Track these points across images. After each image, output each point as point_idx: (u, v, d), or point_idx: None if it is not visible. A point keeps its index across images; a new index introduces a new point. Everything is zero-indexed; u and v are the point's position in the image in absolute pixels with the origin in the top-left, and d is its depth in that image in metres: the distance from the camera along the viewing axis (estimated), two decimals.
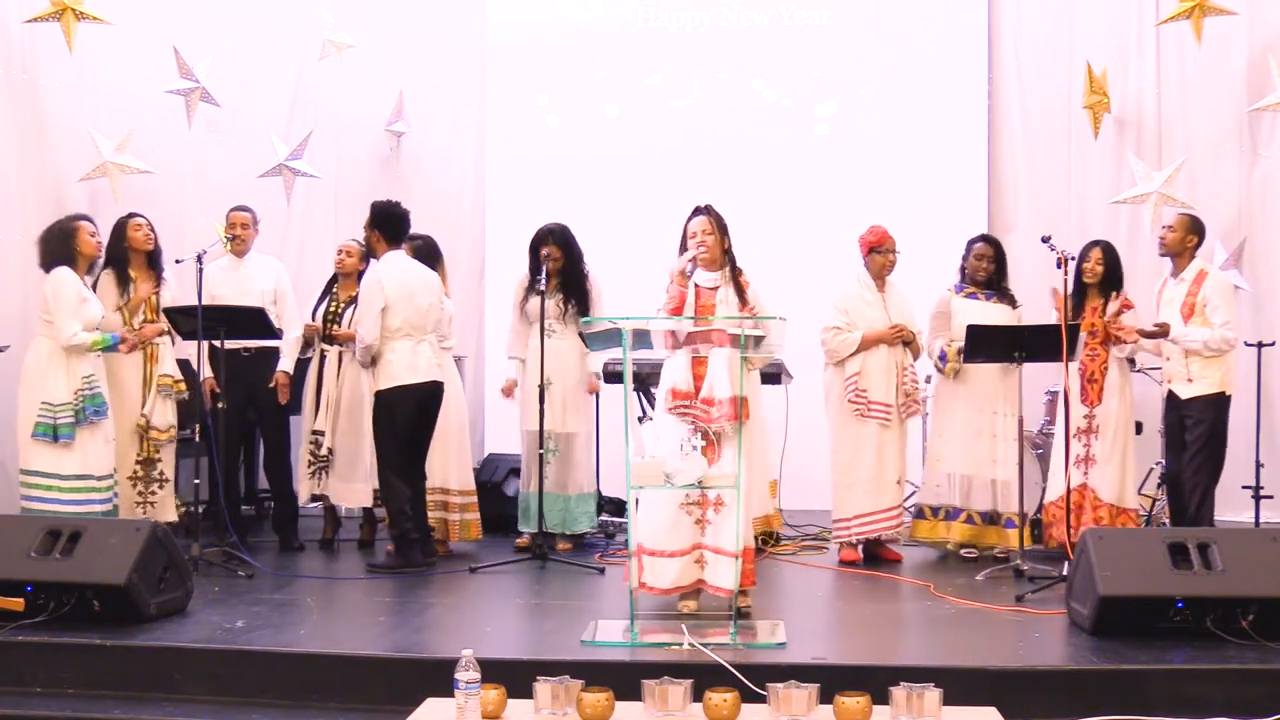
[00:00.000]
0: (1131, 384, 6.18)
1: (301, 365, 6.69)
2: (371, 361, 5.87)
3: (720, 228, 4.98)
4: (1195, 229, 5.98)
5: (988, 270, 6.26)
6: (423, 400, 5.87)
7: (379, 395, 5.83)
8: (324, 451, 6.49)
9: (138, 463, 6.02)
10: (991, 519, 6.17)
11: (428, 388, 5.87)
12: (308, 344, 6.59)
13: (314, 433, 6.52)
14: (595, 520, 6.63)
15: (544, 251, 6.31)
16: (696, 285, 4.94)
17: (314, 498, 6.63)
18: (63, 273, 5.70)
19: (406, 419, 5.82)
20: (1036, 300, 6.42)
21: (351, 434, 6.48)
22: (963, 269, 6.35)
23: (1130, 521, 6.04)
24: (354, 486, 6.50)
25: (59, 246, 5.77)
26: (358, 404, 6.42)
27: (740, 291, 4.96)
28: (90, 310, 5.74)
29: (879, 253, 6.14)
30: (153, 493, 6.03)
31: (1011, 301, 6.28)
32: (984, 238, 6.49)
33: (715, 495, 4.68)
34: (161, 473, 6.06)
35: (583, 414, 6.57)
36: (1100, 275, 6.05)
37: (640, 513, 4.84)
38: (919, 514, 6.36)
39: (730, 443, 4.72)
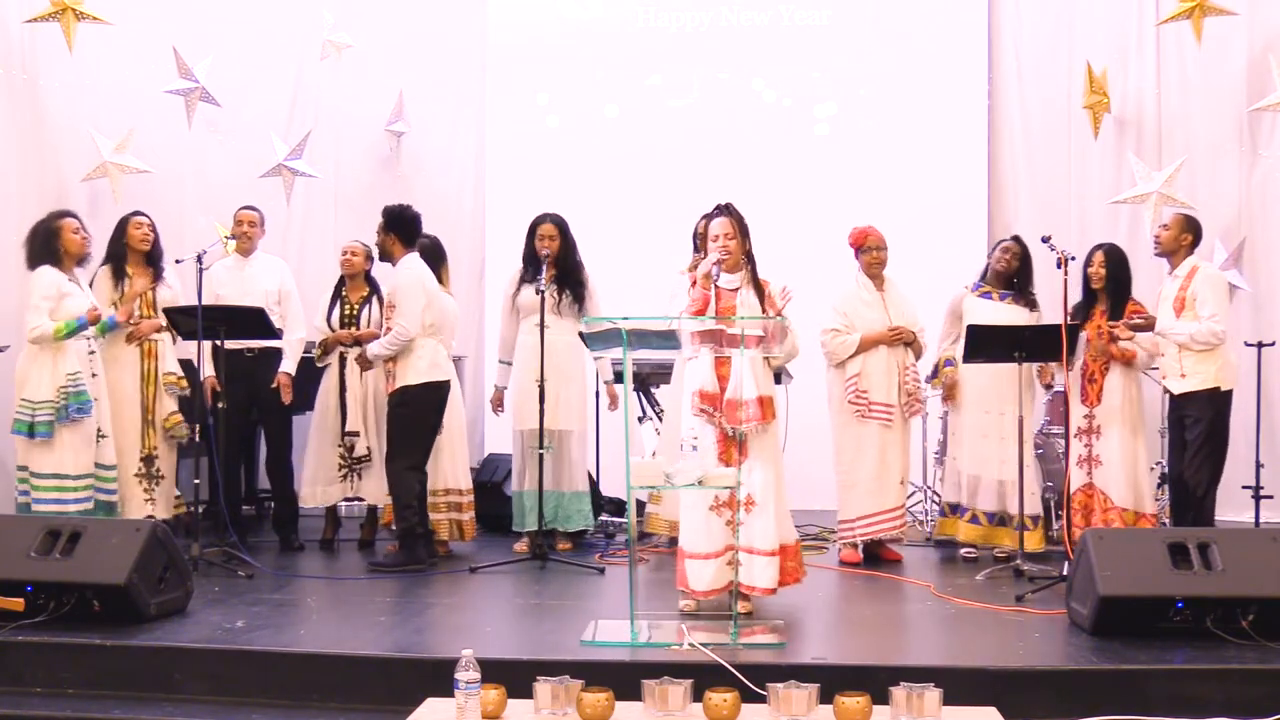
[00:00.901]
0: (1139, 384, 6.14)
1: (309, 366, 6.66)
2: (389, 359, 5.87)
3: (741, 229, 4.92)
4: (1190, 228, 5.97)
5: (1009, 264, 6.25)
6: (444, 397, 5.98)
7: (406, 391, 5.84)
8: (361, 452, 6.47)
9: (141, 460, 6.03)
10: (1001, 520, 6.16)
11: (447, 386, 5.99)
12: (326, 351, 6.56)
13: (347, 434, 6.47)
14: (590, 519, 6.60)
15: (540, 231, 6.32)
16: (717, 287, 4.91)
17: (347, 500, 6.64)
18: (42, 270, 5.71)
19: (431, 414, 5.91)
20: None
21: (380, 433, 6.45)
22: (986, 265, 6.37)
23: (1147, 525, 5.97)
24: (383, 485, 6.46)
25: (42, 245, 5.77)
26: (381, 403, 6.41)
27: (760, 292, 4.93)
28: (72, 305, 5.69)
29: (864, 251, 6.16)
30: (152, 489, 6.05)
31: (1031, 304, 6.26)
32: (1014, 238, 6.49)
33: (745, 495, 4.67)
34: (158, 469, 6.08)
35: (576, 411, 6.52)
36: (1104, 278, 6.04)
37: (681, 516, 4.88)
38: (941, 512, 6.42)
39: (758, 443, 4.72)
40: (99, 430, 5.80)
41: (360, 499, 6.65)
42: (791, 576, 4.89)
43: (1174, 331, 5.80)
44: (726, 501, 4.72)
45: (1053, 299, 6.06)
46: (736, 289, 4.91)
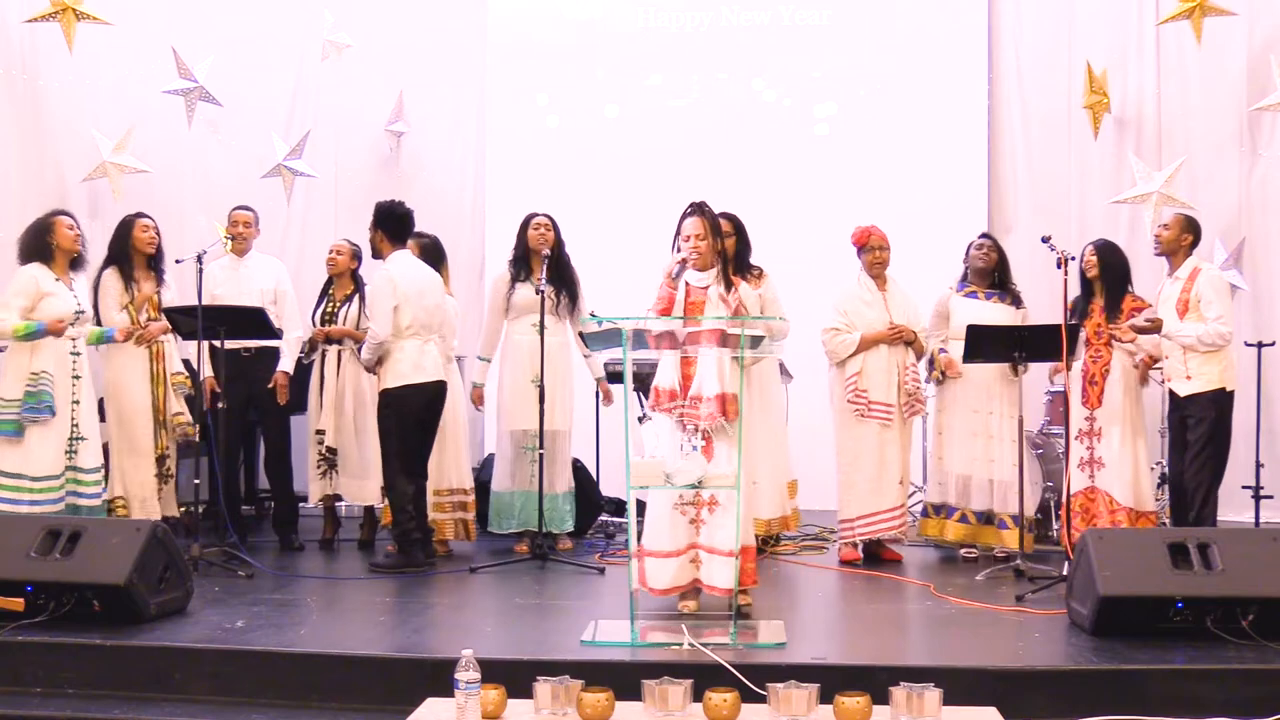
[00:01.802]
0: (1138, 385, 6.15)
1: (305, 367, 6.69)
2: (377, 361, 5.88)
3: (713, 228, 4.93)
4: (1190, 228, 5.97)
5: (987, 259, 6.26)
6: (429, 399, 5.89)
7: (386, 393, 5.83)
8: (325, 450, 6.50)
9: (155, 460, 6.06)
10: (988, 518, 6.17)
11: (433, 387, 5.89)
12: (313, 348, 6.59)
13: (317, 432, 6.53)
14: (572, 520, 6.56)
15: (535, 222, 6.34)
16: (688, 284, 4.92)
17: (326, 497, 6.65)
18: (26, 268, 5.67)
19: (414, 417, 5.84)
20: (1035, 300, 6.42)
21: (354, 431, 6.49)
22: (965, 266, 6.37)
23: (1151, 524, 5.98)
24: (366, 484, 6.50)
25: (34, 241, 5.72)
26: (359, 401, 6.44)
27: (729, 289, 4.91)
28: (54, 306, 5.63)
29: (866, 251, 6.17)
30: (164, 487, 6.11)
31: (1016, 301, 6.27)
32: (985, 235, 6.56)
33: (709, 495, 4.67)
34: (169, 468, 6.13)
35: (566, 412, 6.50)
36: (1097, 269, 6.04)
37: (646, 513, 4.87)
38: (924, 512, 6.39)
39: (724, 441, 4.71)
40: (75, 433, 5.69)
41: (339, 496, 6.66)
42: (748, 579, 4.84)
43: (1181, 334, 5.79)
44: (692, 500, 4.72)
45: (1053, 299, 6.06)
46: (706, 287, 4.91)
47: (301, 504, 6.84)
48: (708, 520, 4.69)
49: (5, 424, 5.55)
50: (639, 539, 4.80)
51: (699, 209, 4.95)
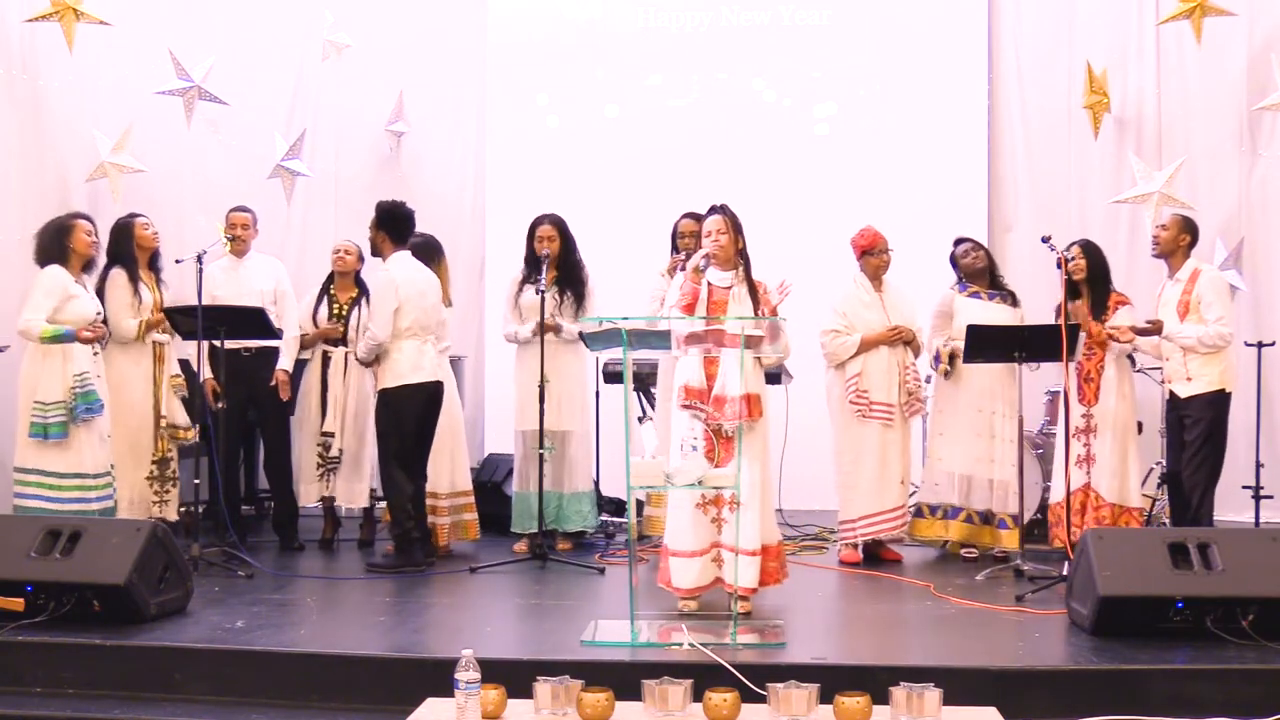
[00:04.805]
0: (1132, 382, 6.16)
1: (298, 365, 6.68)
2: (374, 360, 5.88)
3: (735, 227, 4.96)
4: (1188, 228, 5.98)
5: (977, 260, 6.27)
6: (427, 399, 5.91)
7: (385, 393, 5.85)
8: (334, 453, 6.50)
9: (154, 462, 6.04)
10: (987, 518, 6.17)
11: (431, 387, 5.92)
12: (307, 346, 6.59)
13: (324, 434, 6.50)
14: (593, 519, 6.61)
15: (539, 232, 6.33)
16: (709, 283, 4.92)
17: (322, 499, 6.64)
18: (51, 269, 5.67)
19: (412, 417, 5.86)
20: (1035, 300, 6.42)
21: (356, 435, 6.50)
22: (958, 272, 6.37)
23: (1134, 521, 6.01)
24: (356, 487, 6.53)
25: (52, 242, 5.74)
26: (364, 405, 6.44)
27: (754, 292, 4.94)
28: (78, 308, 5.66)
29: (872, 255, 6.16)
30: (166, 491, 6.09)
31: (1013, 301, 6.28)
32: (967, 238, 6.48)
33: (731, 493, 4.68)
34: (173, 471, 6.12)
35: (579, 412, 6.54)
36: (1084, 270, 6.04)
37: (668, 513, 4.90)
38: (918, 512, 6.37)
39: (745, 441, 4.72)
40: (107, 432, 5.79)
41: (333, 498, 6.65)
42: (772, 577, 4.89)
43: (1182, 335, 5.80)
44: (713, 499, 4.73)
45: (1053, 299, 6.07)
46: (729, 286, 4.92)
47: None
48: (729, 519, 4.69)
49: (54, 427, 5.54)
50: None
51: (721, 209, 5.00)
